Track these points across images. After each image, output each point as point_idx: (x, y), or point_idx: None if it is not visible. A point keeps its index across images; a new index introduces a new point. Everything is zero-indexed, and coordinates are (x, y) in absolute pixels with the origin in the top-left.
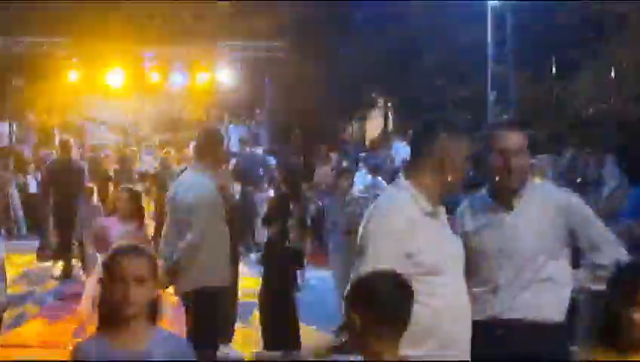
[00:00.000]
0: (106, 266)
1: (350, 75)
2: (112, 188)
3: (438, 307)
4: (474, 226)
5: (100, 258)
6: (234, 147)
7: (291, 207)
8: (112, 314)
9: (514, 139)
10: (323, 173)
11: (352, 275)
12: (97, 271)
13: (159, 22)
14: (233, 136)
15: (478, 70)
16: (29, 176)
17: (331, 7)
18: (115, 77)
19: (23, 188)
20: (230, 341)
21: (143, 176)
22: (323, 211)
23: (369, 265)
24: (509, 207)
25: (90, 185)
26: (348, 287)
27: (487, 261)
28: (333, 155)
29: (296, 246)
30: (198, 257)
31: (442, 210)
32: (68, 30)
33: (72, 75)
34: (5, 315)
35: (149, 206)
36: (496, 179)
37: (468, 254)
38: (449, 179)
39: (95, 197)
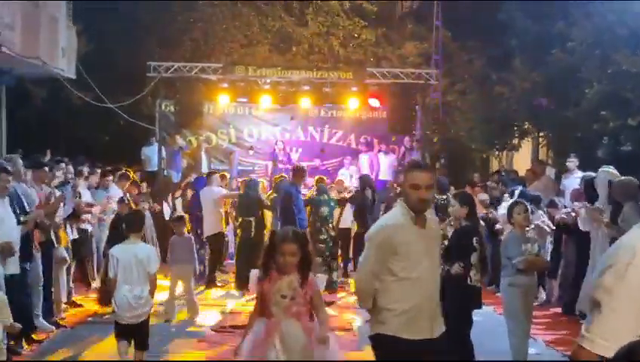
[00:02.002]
0: None
1: (503, 103)
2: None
3: None
4: None
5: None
6: (383, 176)
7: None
8: None
9: None
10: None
11: (594, 332)
12: None
13: (307, 48)
14: (383, 165)
15: None
16: (164, 204)
17: (484, 33)
18: (264, 102)
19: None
20: None
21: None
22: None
23: (610, 321)
24: None
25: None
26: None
27: None
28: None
29: (477, 285)
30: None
31: None
32: (218, 55)
33: (222, 100)
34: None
35: None
36: None
37: None
38: None
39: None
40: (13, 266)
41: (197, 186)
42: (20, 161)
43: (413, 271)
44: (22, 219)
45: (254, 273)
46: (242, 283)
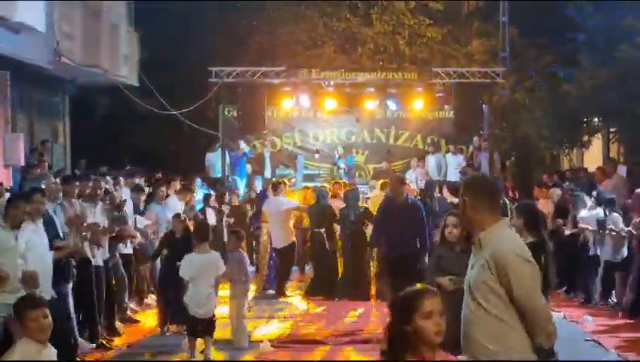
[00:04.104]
0: None
1: (572, 100)
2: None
3: None
4: None
5: None
6: (451, 177)
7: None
8: None
9: None
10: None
11: None
12: None
13: (373, 48)
14: (451, 166)
15: None
16: (208, 209)
17: (551, 29)
18: (328, 104)
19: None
20: None
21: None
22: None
23: None
24: None
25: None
26: None
27: None
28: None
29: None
30: None
31: None
32: (282, 58)
33: (286, 104)
34: None
35: None
36: None
37: None
38: None
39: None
40: (44, 292)
41: (261, 199)
42: (52, 179)
43: None
44: (55, 244)
45: None
46: (313, 294)
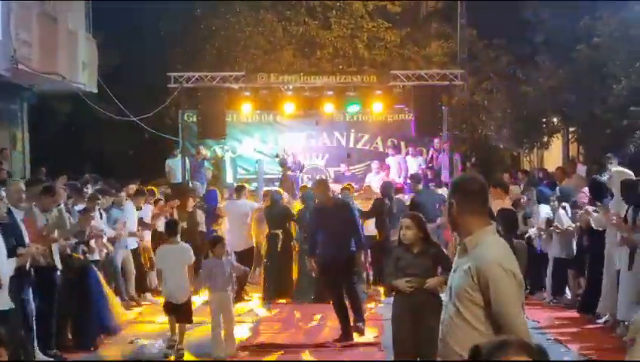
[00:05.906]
0: None
1: (530, 100)
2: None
3: None
4: None
5: None
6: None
7: None
8: None
9: None
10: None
11: None
12: None
13: (331, 52)
14: (411, 168)
15: None
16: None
17: (509, 30)
18: (287, 109)
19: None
20: None
21: None
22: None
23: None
24: None
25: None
26: None
27: None
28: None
29: None
30: None
31: None
32: (241, 63)
33: (245, 108)
34: None
35: None
36: None
37: None
38: None
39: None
40: (2, 302)
41: (208, 201)
42: (19, 186)
43: None
44: (18, 251)
45: None
46: (270, 297)
